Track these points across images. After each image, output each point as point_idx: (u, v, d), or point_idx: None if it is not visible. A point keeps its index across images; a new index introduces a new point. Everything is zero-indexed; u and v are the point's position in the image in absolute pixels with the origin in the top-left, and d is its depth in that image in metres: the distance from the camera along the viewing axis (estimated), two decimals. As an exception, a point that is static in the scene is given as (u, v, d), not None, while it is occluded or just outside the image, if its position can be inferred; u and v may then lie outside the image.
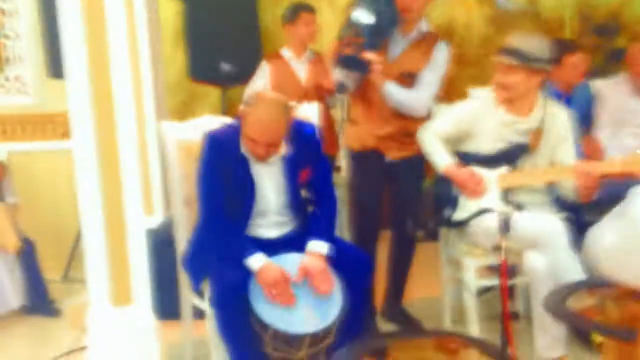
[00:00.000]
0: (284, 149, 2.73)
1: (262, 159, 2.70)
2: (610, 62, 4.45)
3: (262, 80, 4.19)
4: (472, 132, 3.05)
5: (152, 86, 3.64)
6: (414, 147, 3.26)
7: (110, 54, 2.81)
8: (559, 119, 3.01)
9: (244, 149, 2.71)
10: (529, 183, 2.97)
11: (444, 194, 3.04)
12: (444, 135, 3.10)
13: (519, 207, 2.88)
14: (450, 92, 4.71)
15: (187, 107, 4.82)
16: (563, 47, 3.75)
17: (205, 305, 2.84)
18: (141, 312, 2.83)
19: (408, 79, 3.25)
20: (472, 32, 4.85)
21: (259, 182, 2.75)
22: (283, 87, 4.10)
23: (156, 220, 3.60)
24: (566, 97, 3.84)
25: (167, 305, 3.11)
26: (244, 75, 4.46)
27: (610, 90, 3.86)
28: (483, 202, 2.95)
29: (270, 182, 2.77)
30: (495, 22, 4.81)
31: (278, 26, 4.99)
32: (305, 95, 3.99)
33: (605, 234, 1.19)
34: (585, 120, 3.84)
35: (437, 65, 3.26)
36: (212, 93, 4.84)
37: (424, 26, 3.31)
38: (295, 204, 2.82)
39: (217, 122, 3.22)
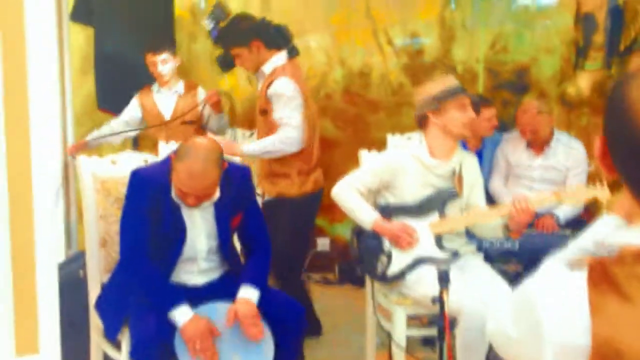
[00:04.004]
0: (216, 194, 2.58)
1: (193, 206, 2.55)
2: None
3: (128, 114, 4.09)
4: (395, 182, 2.96)
5: (59, 116, 3.43)
6: (277, 188, 3.43)
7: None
8: (471, 163, 3.05)
9: (174, 193, 2.54)
10: (467, 226, 2.96)
11: (374, 248, 2.93)
12: (363, 189, 2.97)
13: (455, 254, 2.88)
14: (367, 139, 4.77)
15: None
16: (480, 101, 3.87)
17: (121, 356, 2.62)
18: (48, 363, 2.57)
19: (265, 115, 3.42)
20: (387, 80, 4.92)
21: (190, 227, 2.58)
22: (148, 122, 4.02)
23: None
24: (476, 151, 3.94)
25: (74, 353, 2.86)
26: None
27: (509, 143, 4.02)
28: (417, 252, 2.89)
29: (201, 228, 2.60)
30: (410, 73, 4.90)
31: (194, 61, 4.88)
32: (169, 131, 3.86)
33: (503, 318, 1.12)
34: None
35: (279, 99, 3.32)
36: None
37: (266, 69, 3.41)
38: (225, 250, 2.68)
39: (137, 158, 3.04)
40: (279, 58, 3.38)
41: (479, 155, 3.98)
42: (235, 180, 2.63)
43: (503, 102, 4.71)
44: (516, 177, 3.96)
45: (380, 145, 4.09)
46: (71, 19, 4.24)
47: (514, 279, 3.86)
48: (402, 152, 3.04)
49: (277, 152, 3.33)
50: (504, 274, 3.15)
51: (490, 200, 3.95)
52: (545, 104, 4.03)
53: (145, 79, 4.20)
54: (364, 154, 3.31)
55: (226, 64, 3.50)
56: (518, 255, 3.47)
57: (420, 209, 2.95)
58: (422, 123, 2.98)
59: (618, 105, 0.94)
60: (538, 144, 3.87)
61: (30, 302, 2.70)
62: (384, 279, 2.92)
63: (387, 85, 4.93)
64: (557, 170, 3.86)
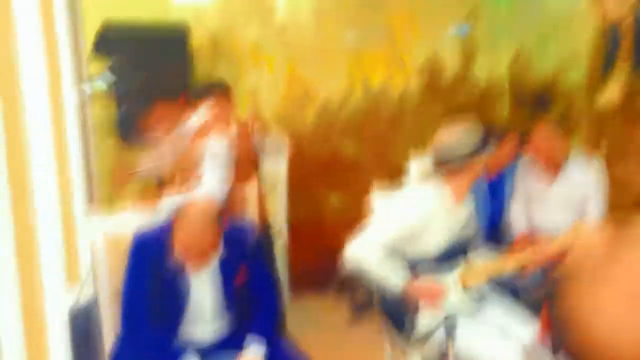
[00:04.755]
0: (219, 253, 2.60)
1: (196, 266, 2.57)
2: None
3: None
4: (422, 235, 2.73)
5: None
6: None
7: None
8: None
9: (176, 254, 2.56)
10: (496, 274, 2.86)
11: (399, 308, 2.73)
12: (390, 245, 2.67)
13: (481, 298, 2.81)
14: (387, 159, 4.72)
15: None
16: (497, 136, 3.74)
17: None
18: None
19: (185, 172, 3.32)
20: (408, 100, 4.84)
21: (193, 288, 2.60)
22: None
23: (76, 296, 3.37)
24: (498, 175, 3.85)
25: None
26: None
27: (525, 169, 3.89)
28: (447, 308, 2.74)
29: (205, 287, 2.62)
30: (431, 91, 4.82)
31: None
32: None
33: None
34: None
35: (206, 158, 3.16)
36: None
37: (191, 124, 3.25)
38: (231, 307, 2.69)
39: (146, 217, 3.06)
40: (204, 110, 3.19)
41: (500, 181, 3.90)
42: (237, 237, 2.64)
43: (526, 119, 4.60)
44: (534, 203, 3.86)
45: (401, 167, 4.05)
46: (93, 51, 4.29)
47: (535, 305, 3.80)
48: (428, 201, 2.75)
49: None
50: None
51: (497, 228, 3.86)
52: (561, 126, 3.90)
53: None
54: (376, 198, 3.19)
55: (129, 131, 3.28)
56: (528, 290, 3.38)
57: (442, 260, 2.80)
58: (455, 170, 2.74)
59: (559, 310, 0.89)
60: (552, 168, 3.76)
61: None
62: (412, 338, 2.77)
63: (408, 104, 4.86)
64: (573, 196, 3.74)
